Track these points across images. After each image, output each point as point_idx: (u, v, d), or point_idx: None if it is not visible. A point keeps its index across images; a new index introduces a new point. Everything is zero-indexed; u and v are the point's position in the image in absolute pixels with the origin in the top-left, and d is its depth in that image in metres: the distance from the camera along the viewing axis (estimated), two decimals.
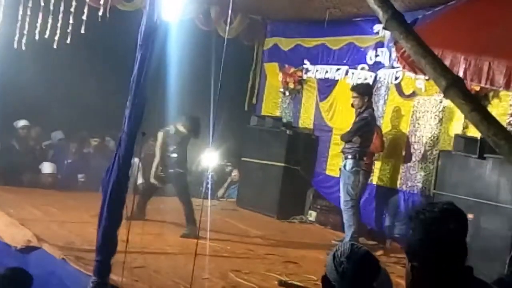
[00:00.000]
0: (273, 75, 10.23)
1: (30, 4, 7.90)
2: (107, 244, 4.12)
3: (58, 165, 9.26)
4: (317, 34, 9.42)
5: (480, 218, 6.01)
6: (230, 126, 8.78)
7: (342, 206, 7.12)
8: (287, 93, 9.91)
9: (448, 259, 2.36)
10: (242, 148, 9.86)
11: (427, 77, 6.99)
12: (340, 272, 2.55)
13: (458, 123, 7.18)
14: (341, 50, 9.10)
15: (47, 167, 9.11)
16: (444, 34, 6.06)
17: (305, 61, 9.64)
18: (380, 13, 3.25)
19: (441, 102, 7.45)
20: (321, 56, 9.43)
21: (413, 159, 7.74)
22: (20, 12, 7.96)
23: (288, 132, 9.04)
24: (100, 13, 7.89)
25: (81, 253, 5.12)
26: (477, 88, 6.43)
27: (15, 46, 8.14)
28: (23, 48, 8.10)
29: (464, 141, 6.45)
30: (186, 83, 7.51)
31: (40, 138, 9.77)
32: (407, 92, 7.97)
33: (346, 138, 7.14)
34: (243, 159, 9.73)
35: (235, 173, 10.36)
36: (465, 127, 7.03)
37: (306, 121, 9.61)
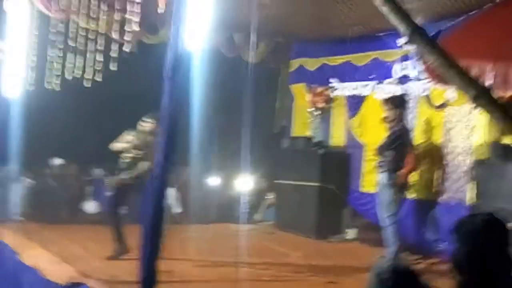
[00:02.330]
0: (301, 95, 10.25)
1: (60, 46, 8.09)
2: (149, 276, 4.16)
3: (99, 200, 9.37)
4: (342, 51, 9.45)
5: None
6: (261, 149, 8.80)
7: (381, 223, 7.04)
8: (316, 113, 9.90)
9: (495, 272, 2.34)
10: (275, 171, 9.87)
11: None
12: None
13: (492, 131, 7.08)
14: (367, 66, 9.10)
15: (91, 207, 9.22)
16: (469, 44, 6.03)
17: (332, 80, 9.64)
18: (401, 30, 3.27)
19: (472, 111, 7.35)
20: (348, 73, 9.44)
21: (448, 170, 7.65)
22: (50, 53, 8.16)
23: (320, 151, 9.03)
24: (127, 49, 8.00)
25: (125, 286, 5.17)
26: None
27: (45, 85, 8.34)
28: (55, 87, 8.28)
29: (500, 150, 6.37)
30: (214, 111, 7.57)
31: (77, 174, 9.94)
32: (437, 103, 7.91)
33: (379, 152, 7.10)
34: (277, 181, 9.74)
35: (270, 196, 10.36)
36: (500, 135, 6.93)
37: (337, 139, 9.58)
